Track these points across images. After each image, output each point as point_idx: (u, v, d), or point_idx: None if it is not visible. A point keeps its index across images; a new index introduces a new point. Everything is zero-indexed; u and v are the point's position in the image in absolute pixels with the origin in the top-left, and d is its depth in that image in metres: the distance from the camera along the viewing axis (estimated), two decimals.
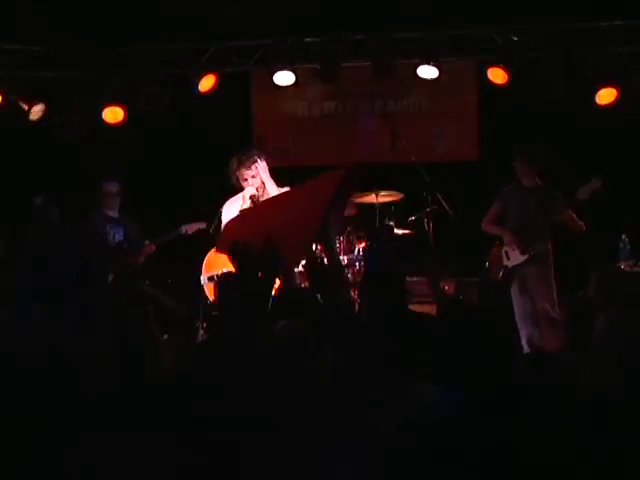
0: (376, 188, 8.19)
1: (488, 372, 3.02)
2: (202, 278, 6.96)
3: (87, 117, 9.01)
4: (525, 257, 7.12)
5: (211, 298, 6.89)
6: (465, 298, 8.19)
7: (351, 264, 7.89)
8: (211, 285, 6.93)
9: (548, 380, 3.20)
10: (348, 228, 8.08)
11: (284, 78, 8.96)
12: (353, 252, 7.87)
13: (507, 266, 7.22)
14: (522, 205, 7.22)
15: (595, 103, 8.47)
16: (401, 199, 8.38)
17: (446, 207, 8.03)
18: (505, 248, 7.26)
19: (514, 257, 7.18)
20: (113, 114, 9.00)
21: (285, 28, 8.77)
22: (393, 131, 8.57)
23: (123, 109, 8.99)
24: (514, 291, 7.20)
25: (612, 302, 4.38)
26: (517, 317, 7.12)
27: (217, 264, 6.95)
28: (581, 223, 7.17)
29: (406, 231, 8.33)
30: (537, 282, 7.10)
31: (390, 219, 8.35)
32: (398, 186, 8.32)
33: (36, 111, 8.67)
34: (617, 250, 7.46)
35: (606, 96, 8.44)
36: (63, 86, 9.00)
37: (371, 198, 8.29)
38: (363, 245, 8.01)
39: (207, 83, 8.92)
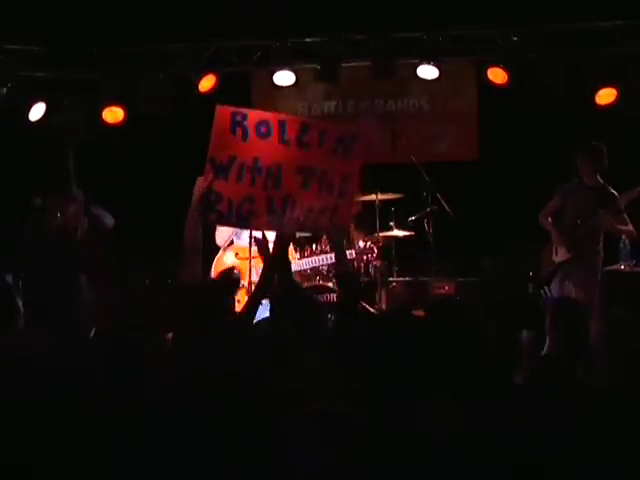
0: (376, 188, 8.18)
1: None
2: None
3: (87, 117, 9.01)
4: (569, 255, 7.11)
5: None
6: (465, 298, 8.19)
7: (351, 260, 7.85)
8: None
9: (547, 381, 3.20)
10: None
11: (284, 78, 8.96)
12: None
13: (554, 261, 7.22)
14: (580, 203, 7.16)
15: (595, 103, 8.48)
16: (401, 199, 8.38)
17: (446, 207, 8.03)
18: (555, 244, 7.26)
19: (561, 254, 7.18)
20: (113, 114, 9.01)
21: (285, 28, 8.77)
22: (393, 131, 8.56)
23: (123, 109, 9.00)
24: (554, 286, 7.17)
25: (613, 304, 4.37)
26: None
27: (225, 265, 6.96)
28: (628, 228, 7.09)
29: (406, 232, 8.33)
30: (578, 283, 7.06)
31: (390, 219, 8.36)
32: (398, 186, 8.31)
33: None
34: (617, 250, 7.45)
35: (606, 96, 8.44)
36: (63, 86, 9.00)
37: (371, 198, 8.28)
38: (362, 243, 8.01)
39: (207, 83, 8.91)
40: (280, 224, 5.52)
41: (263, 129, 5.65)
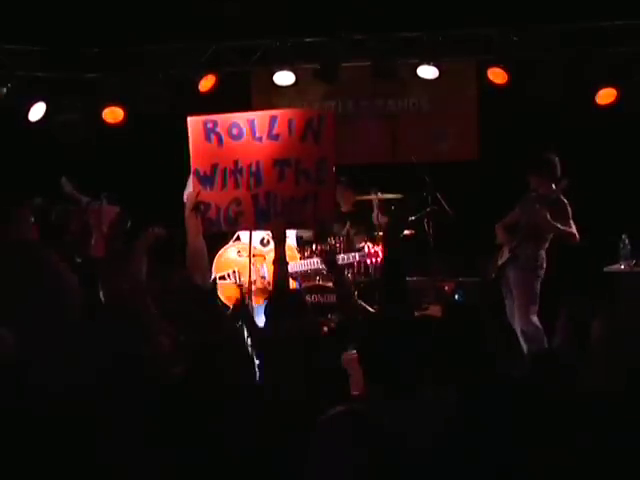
0: (376, 188, 8.17)
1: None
2: (213, 276, 6.95)
3: (87, 117, 9.02)
4: (509, 255, 7.12)
5: (222, 297, 6.87)
6: (464, 298, 8.20)
7: (351, 264, 7.85)
8: (221, 284, 6.94)
9: (548, 380, 3.20)
10: (347, 225, 8.05)
11: (284, 78, 8.97)
12: (353, 250, 7.84)
13: (499, 264, 7.23)
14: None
15: (595, 103, 8.47)
16: (401, 199, 8.38)
17: (446, 207, 8.03)
18: (503, 247, 7.27)
19: (505, 255, 7.19)
20: (113, 114, 9.01)
21: (285, 28, 8.77)
22: (393, 134, 8.57)
23: (123, 109, 9.00)
24: (503, 290, 7.21)
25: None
26: (508, 316, 7.15)
27: (227, 263, 6.96)
28: (571, 231, 7.05)
29: (406, 231, 8.32)
30: (514, 284, 7.07)
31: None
32: (398, 186, 8.31)
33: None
34: (617, 250, 7.44)
35: (606, 96, 8.44)
36: (63, 86, 9.00)
37: (371, 198, 8.27)
38: (363, 244, 8.00)
39: (207, 83, 8.92)
40: (267, 222, 5.57)
41: (235, 131, 5.74)
